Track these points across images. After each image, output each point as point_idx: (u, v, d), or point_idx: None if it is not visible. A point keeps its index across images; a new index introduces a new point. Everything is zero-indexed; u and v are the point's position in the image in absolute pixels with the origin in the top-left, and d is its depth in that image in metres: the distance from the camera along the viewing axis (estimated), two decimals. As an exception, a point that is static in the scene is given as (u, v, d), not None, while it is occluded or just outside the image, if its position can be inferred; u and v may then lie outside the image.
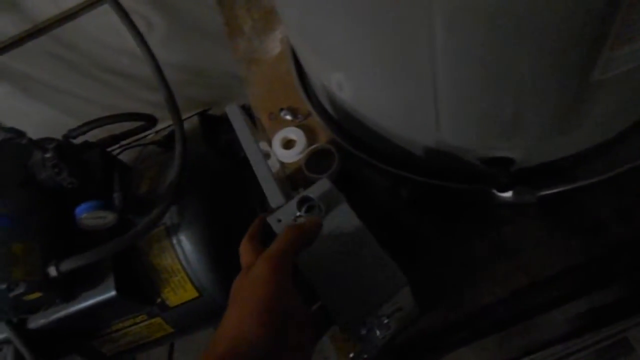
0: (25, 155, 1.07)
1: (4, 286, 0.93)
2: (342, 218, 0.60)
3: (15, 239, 0.97)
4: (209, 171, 1.30)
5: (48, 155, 1.04)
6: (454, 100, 0.54)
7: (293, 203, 0.60)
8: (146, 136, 1.88)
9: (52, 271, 0.97)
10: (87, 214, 1.01)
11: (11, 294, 0.94)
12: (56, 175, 1.05)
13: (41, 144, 1.04)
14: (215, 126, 1.92)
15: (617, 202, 0.72)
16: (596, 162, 0.72)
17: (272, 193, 0.62)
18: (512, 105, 0.52)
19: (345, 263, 0.57)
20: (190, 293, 1.17)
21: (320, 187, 0.60)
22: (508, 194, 0.74)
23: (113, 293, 1.06)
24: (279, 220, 0.61)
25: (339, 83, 0.72)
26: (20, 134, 1.00)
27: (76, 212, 1.01)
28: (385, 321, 0.59)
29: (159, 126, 1.53)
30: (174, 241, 1.15)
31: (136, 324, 1.21)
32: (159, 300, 1.17)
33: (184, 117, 1.54)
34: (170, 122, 1.68)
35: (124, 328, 1.21)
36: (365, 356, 0.63)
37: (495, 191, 0.75)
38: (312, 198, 0.59)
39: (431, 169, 0.76)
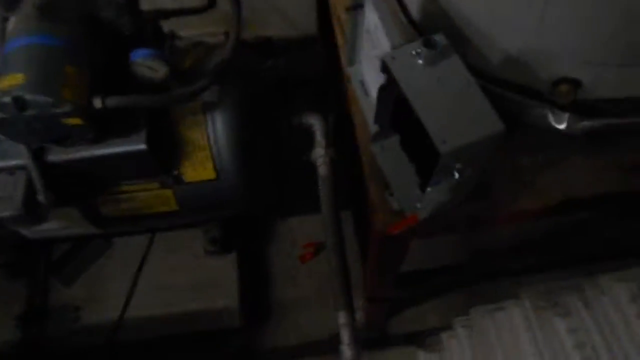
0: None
1: (50, 100, 0.93)
2: (453, 68, 0.66)
3: (69, 62, 0.98)
4: (253, 73, 1.33)
5: (118, -3, 1.04)
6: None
7: (415, 43, 0.65)
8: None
9: (98, 102, 0.98)
10: (141, 59, 1.03)
11: (55, 110, 0.94)
12: (118, 17, 1.06)
13: (114, -16, 1.04)
14: (263, 49, 1.94)
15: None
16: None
17: (393, 32, 0.68)
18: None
19: (452, 102, 0.64)
20: (209, 173, 1.20)
21: (439, 38, 0.66)
22: (562, 123, 0.82)
23: (143, 146, 1.07)
24: (394, 58, 0.66)
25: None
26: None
27: (131, 55, 1.02)
28: (457, 176, 0.65)
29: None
30: (208, 118, 1.18)
31: (146, 190, 1.22)
32: (176, 172, 1.19)
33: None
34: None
35: (132, 192, 1.22)
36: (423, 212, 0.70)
37: (550, 117, 0.82)
38: (436, 40, 0.65)
39: (499, 81, 0.83)
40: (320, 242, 1.68)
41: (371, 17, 0.78)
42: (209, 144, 1.18)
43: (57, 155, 1.09)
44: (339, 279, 1.35)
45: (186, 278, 1.61)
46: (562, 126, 0.82)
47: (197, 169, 1.20)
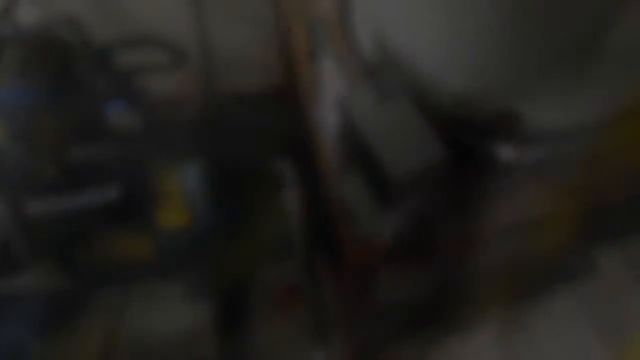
0: (65, 49, 1.13)
1: (26, 152, 0.98)
2: (400, 106, 0.73)
3: (46, 115, 1.03)
4: (223, 123, 1.40)
5: (94, 54, 1.11)
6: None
7: (367, 86, 0.72)
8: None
9: (76, 151, 1.02)
10: (116, 112, 1.08)
11: (31, 161, 0.98)
12: (94, 73, 1.12)
13: (91, 43, 1.11)
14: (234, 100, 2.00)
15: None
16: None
17: (346, 76, 0.75)
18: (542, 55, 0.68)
19: (401, 135, 0.71)
20: (183, 218, 1.24)
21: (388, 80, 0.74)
22: (508, 154, 0.89)
23: (117, 195, 1.11)
24: (348, 99, 0.73)
25: (389, 25, 0.85)
26: (77, 27, 1.07)
27: (107, 107, 1.08)
28: (410, 201, 0.71)
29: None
30: (181, 167, 1.23)
31: (123, 238, 1.24)
32: (151, 219, 1.23)
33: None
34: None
35: (109, 240, 1.24)
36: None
37: (498, 148, 0.89)
38: (384, 82, 0.72)
39: (450, 118, 0.90)
40: (297, 284, 1.70)
41: (327, 64, 0.85)
42: (183, 190, 1.23)
43: (36, 207, 1.11)
44: (315, 319, 1.38)
45: (164, 329, 1.60)
46: (508, 156, 0.89)
47: (171, 216, 1.24)
